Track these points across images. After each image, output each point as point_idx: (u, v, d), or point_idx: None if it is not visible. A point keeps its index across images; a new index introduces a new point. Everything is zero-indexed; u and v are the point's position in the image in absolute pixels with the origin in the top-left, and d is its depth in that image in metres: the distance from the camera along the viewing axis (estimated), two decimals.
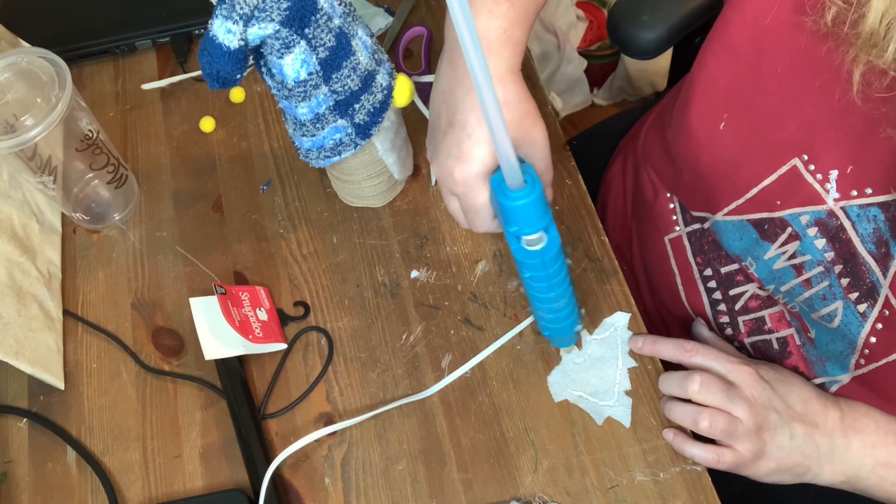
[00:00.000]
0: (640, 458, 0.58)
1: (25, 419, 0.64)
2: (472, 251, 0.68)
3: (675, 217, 0.68)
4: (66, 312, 0.68)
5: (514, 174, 0.44)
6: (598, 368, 0.62)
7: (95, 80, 0.81)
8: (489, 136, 0.48)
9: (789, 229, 0.55)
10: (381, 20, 0.81)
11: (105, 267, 0.70)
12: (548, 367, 0.62)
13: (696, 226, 0.65)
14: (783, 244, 0.56)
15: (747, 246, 0.59)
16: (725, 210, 0.59)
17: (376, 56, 0.59)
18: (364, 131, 0.60)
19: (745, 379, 0.57)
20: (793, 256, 0.56)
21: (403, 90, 0.60)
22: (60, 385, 0.64)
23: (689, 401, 0.57)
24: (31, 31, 0.79)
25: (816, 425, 0.57)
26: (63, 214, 0.72)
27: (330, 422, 0.61)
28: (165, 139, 0.77)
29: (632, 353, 0.62)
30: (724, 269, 0.64)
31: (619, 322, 0.63)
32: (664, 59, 1.39)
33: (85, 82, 0.81)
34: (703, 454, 0.56)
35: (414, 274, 0.67)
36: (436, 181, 0.71)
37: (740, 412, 0.55)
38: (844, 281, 0.53)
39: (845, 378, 0.59)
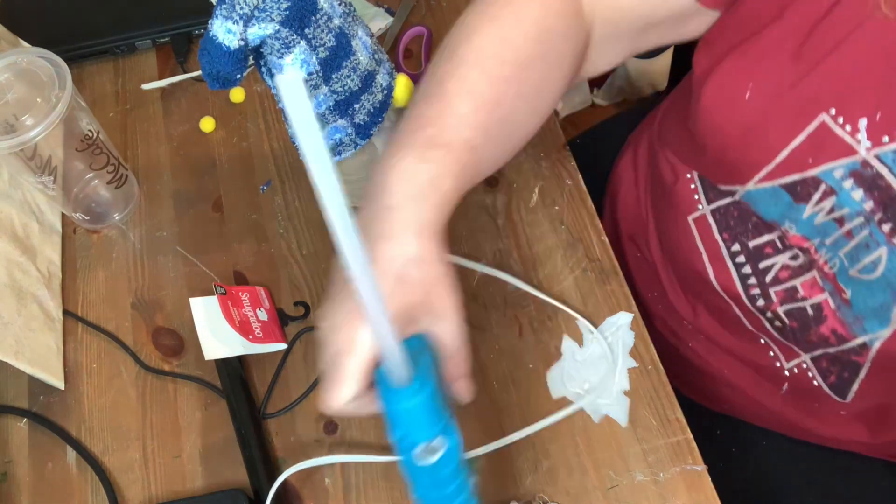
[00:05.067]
0: (640, 458, 0.58)
1: (25, 419, 0.64)
2: (472, 251, 0.68)
3: (696, 196, 0.67)
4: (66, 312, 0.68)
5: (396, 365, 0.37)
6: (598, 367, 0.62)
7: (95, 80, 0.81)
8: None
9: (822, 186, 0.55)
10: (381, 20, 0.81)
11: (105, 267, 0.70)
12: (547, 368, 0.62)
13: (721, 202, 0.65)
14: (818, 202, 0.56)
15: (783, 211, 0.59)
16: (756, 178, 0.58)
17: (376, 56, 0.59)
18: (364, 131, 0.60)
19: None
20: (831, 211, 0.56)
21: (403, 90, 0.60)
22: (60, 385, 0.64)
23: None
24: (31, 31, 0.79)
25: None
26: (63, 214, 0.72)
27: (330, 422, 0.61)
28: (165, 139, 0.77)
29: (632, 353, 0.62)
30: (752, 243, 0.64)
31: (621, 321, 0.63)
32: (664, 59, 1.39)
33: (85, 82, 0.81)
34: None
35: None
36: None
37: None
38: (886, 227, 0.53)
39: (887, 332, 0.58)
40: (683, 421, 0.59)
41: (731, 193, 0.63)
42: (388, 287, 0.41)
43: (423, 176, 0.44)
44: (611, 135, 0.91)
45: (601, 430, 0.59)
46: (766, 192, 0.59)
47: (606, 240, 0.67)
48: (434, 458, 0.39)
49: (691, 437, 0.59)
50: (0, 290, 0.62)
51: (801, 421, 0.70)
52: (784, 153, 0.55)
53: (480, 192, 0.71)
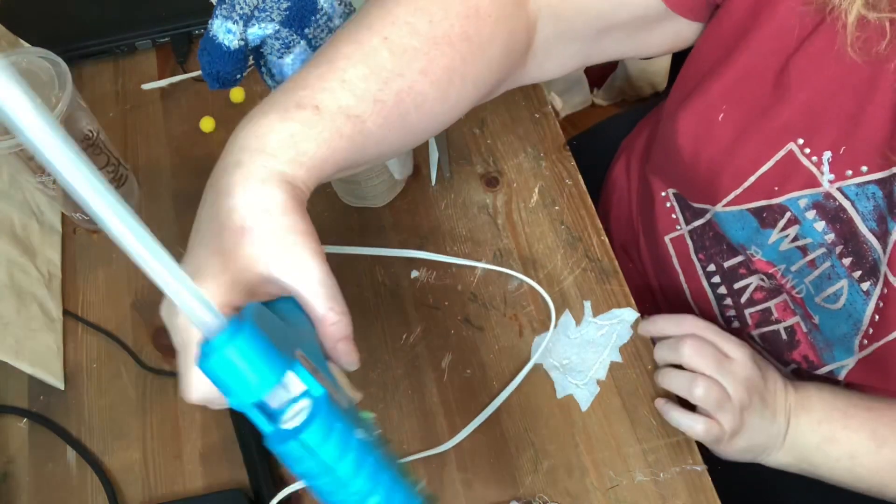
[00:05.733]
0: (640, 458, 0.58)
1: (25, 419, 0.64)
2: (472, 251, 0.68)
3: (674, 216, 0.68)
4: (66, 312, 0.68)
5: (200, 317, 0.31)
6: (584, 350, 0.63)
7: (95, 80, 0.81)
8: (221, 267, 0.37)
9: (788, 214, 0.55)
10: None
11: (105, 267, 0.70)
12: (548, 367, 0.62)
13: (698, 222, 0.65)
14: (783, 229, 0.57)
15: (749, 235, 0.59)
16: (724, 201, 0.59)
17: None
18: None
19: (742, 357, 0.57)
20: (795, 239, 0.56)
21: None
22: (60, 385, 0.64)
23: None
24: (31, 31, 0.79)
25: (777, 406, 0.58)
26: (63, 214, 0.72)
27: None
28: (165, 139, 0.77)
29: (633, 354, 0.62)
30: (726, 264, 0.65)
31: (625, 317, 0.63)
32: (664, 59, 1.39)
33: (85, 82, 0.81)
34: (692, 423, 0.56)
35: (414, 274, 0.67)
36: (436, 181, 0.71)
37: (731, 388, 0.56)
38: (847, 261, 0.54)
39: (851, 361, 0.59)
40: None
41: (705, 213, 0.64)
42: (231, 241, 0.37)
43: (279, 134, 0.40)
44: (610, 135, 0.91)
45: (601, 429, 0.59)
46: (734, 215, 0.59)
47: (606, 240, 0.67)
48: (297, 417, 0.32)
49: (691, 437, 0.59)
50: (0, 290, 0.62)
51: None
52: (752, 178, 0.56)
53: (480, 192, 0.71)
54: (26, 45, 0.77)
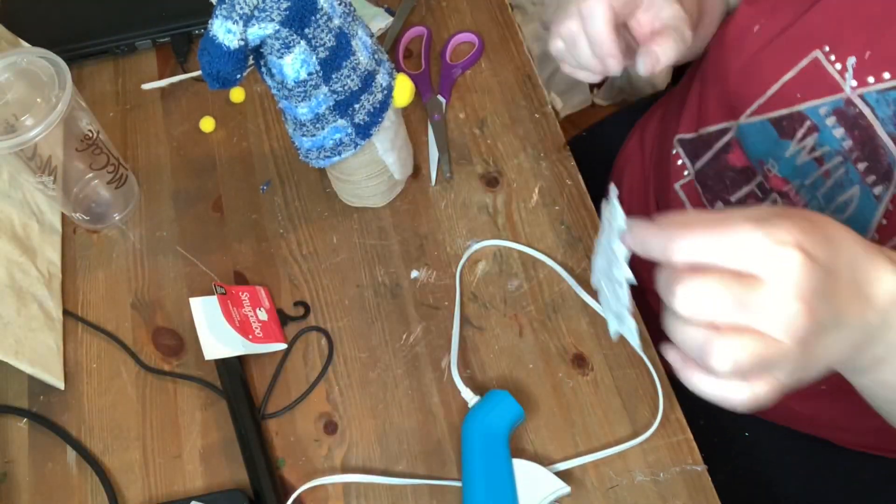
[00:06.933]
0: (640, 458, 0.58)
1: (25, 419, 0.64)
2: (472, 251, 0.68)
3: (680, 162, 0.69)
4: (66, 312, 0.68)
5: None
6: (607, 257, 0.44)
7: (95, 80, 0.81)
8: None
9: (808, 122, 0.56)
10: (381, 20, 0.81)
11: (105, 267, 0.70)
12: (548, 367, 0.62)
13: (702, 160, 0.67)
14: (802, 138, 0.57)
15: (768, 148, 0.60)
16: (748, 111, 0.60)
17: (376, 56, 0.59)
18: (364, 131, 0.60)
19: (791, 270, 0.35)
20: (812, 150, 0.57)
21: (403, 90, 0.60)
22: (60, 385, 0.64)
23: None
24: (31, 31, 0.79)
25: (868, 298, 0.39)
26: (63, 214, 0.72)
27: (330, 422, 0.61)
28: (165, 139, 0.77)
29: (633, 354, 0.62)
30: (734, 197, 0.65)
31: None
32: None
33: (85, 82, 0.81)
34: (728, 394, 0.37)
35: (414, 274, 0.67)
36: (436, 181, 0.71)
37: (775, 330, 0.35)
38: (861, 165, 0.54)
39: None
40: (683, 421, 0.59)
41: (721, 136, 0.64)
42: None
43: None
44: (611, 134, 0.91)
45: (601, 429, 0.59)
46: (756, 127, 0.60)
47: None
48: None
49: (691, 436, 0.59)
50: (0, 290, 0.62)
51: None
52: (776, 87, 0.57)
53: (480, 192, 0.71)
54: (26, 45, 0.77)
